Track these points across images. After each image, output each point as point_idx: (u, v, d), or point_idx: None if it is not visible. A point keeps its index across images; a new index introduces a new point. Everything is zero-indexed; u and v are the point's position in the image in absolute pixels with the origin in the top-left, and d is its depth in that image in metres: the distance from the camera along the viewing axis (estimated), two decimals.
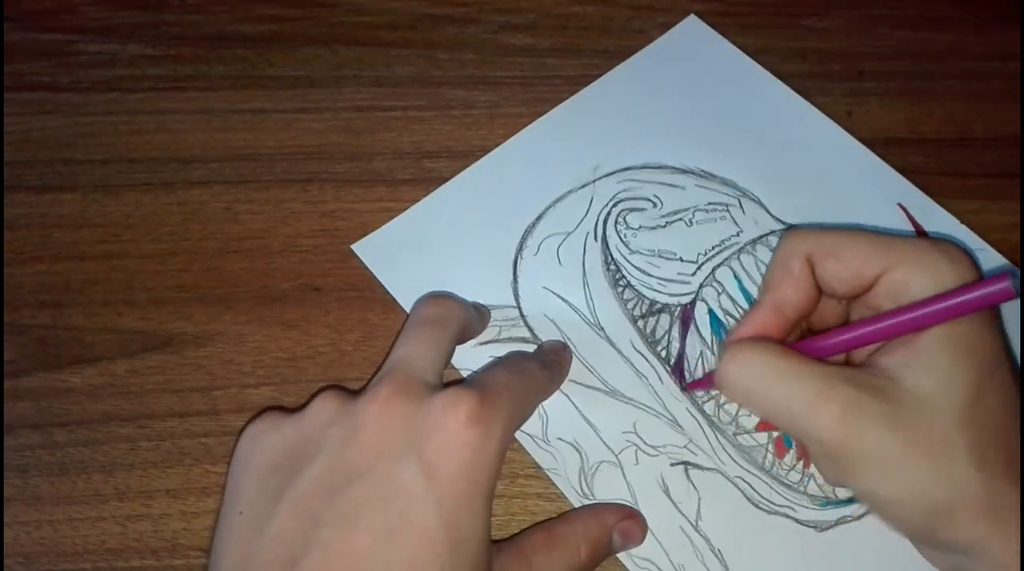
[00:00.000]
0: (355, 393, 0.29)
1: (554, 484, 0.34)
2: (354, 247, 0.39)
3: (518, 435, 0.34)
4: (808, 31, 0.45)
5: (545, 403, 0.34)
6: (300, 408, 0.29)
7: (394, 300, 0.38)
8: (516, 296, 0.37)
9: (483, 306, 0.37)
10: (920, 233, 0.39)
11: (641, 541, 0.32)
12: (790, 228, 0.38)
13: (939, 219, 0.39)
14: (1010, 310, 0.36)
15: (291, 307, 0.38)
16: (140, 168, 0.41)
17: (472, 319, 0.34)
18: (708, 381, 0.33)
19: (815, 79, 0.43)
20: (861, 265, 0.28)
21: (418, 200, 0.40)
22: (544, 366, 0.33)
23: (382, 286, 0.38)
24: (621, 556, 0.32)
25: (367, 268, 0.38)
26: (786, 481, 0.33)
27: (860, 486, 0.27)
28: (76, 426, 0.35)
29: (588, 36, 0.45)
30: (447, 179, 0.41)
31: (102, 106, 0.43)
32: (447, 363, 0.31)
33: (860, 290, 0.29)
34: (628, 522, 0.32)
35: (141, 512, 0.34)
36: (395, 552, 0.25)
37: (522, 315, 0.37)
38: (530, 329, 0.37)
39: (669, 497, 0.33)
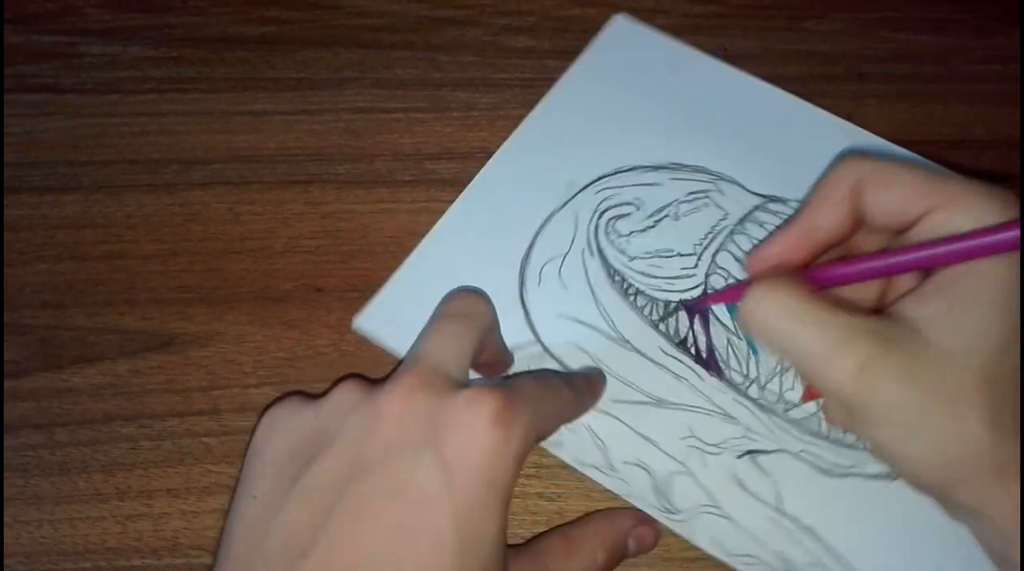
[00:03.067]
0: (378, 382, 0.28)
1: (554, 483, 0.34)
2: (355, 325, 0.37)
3: (584, 470, 0.34)
4: (808, 33, 0.45)
5: (598, 430, 0.34)
6: (322, 394, 0.29)
7: None
8: (534, 331, 0.36)
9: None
10: None
11: (653, 546, 0.32)
12: (772, 200, 0.39)
13: None
14: None
15: (293, 308, 0.38)
16: (142, 169, 0.41)
17: (496, 321, 0.33)
18: (724, 296, 0.34)
19: (816, 82, 0.43)
20: (910, 201, 0.27)
21: (418, 201, 0.40)
22: (571, 386, 0.32)
23: (383, 287, 0.38)
24: (723, 558, 0.32)
25: (374, 343, 0.36)
26: (846, 442, 0.34)
27: (874, 438, 0.27)
28: (77, 426, 0.36)
29: (589, 38, 0.45)
30: (447, 181, 0.41)
31: (104, 108, 0.43)
32: (474, 360, 0.30)
33: (903, 226, 0.28)
34: (643, 528, 0.32)
35: (142, 511, 0.34)
36: (405, 550, 0.25)
37: (546, 349, 0.36)
38: (557, 360, 0.36)
39: (746, 489, 0.33)
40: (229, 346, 0.37)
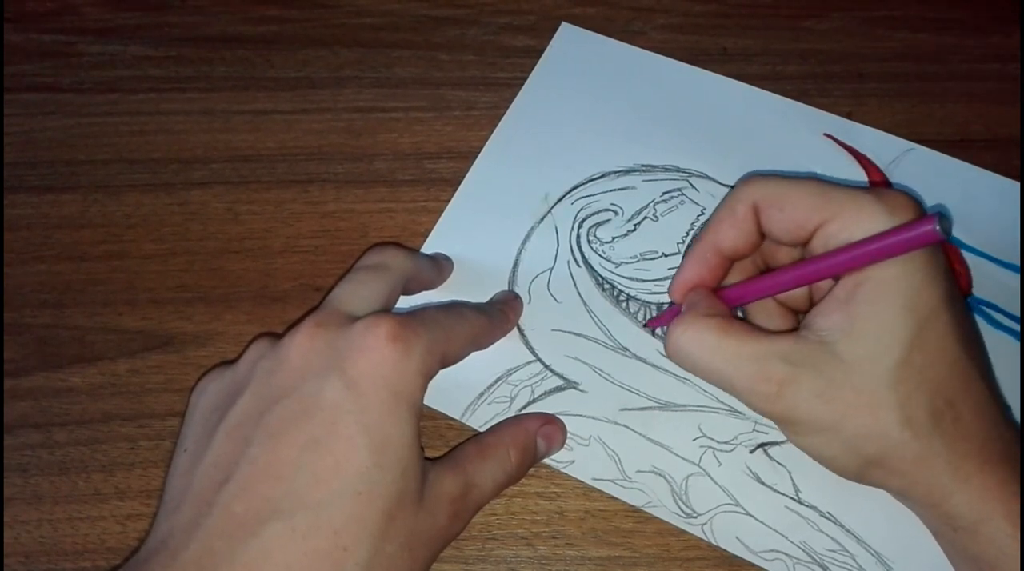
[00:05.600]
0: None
1: (554, 483, 0.34)
2: None
3: (600, 485, 0.34)
4: (808, 33, 0.45)
5: (609, 441, 0.34)
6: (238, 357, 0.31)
7: None
8: (531, 349, 0.36)
9: (444, 256, 0.38)
10: (855, 154, 0.40)
11: (562, 445, 0.34)
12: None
13: None
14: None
15: (292, 307, 0.38)
16: (141, 169, 0.41)
17: (423, 269, 0.35)
18: (668, 317, 0.35)
19: (815, 80, 0.43)
20: (802, 216, 0.29)
21: (418, 201, 0.40)
22: (482, 313, 0.34)
23: None
24: (752, 559, 0.32)
25: None
26: None
27: (802, 445, 0.30)
28: (76, 425, 0.36)
29: None
30: (447, 180, 0.41)
31: (103, 107, 0.43)
32: (385, 306, 0.32)
33: (801, 240, 0.30)
34: (549, 427, 0.34)
35: (141, 511, 0.34)
36: (320, 459, 0.26)
37: (546, 366, 0.36)
38: (560, 376, 0.36)
39: (763, 483, 0.34)
40: (228, 346, 0.37)
